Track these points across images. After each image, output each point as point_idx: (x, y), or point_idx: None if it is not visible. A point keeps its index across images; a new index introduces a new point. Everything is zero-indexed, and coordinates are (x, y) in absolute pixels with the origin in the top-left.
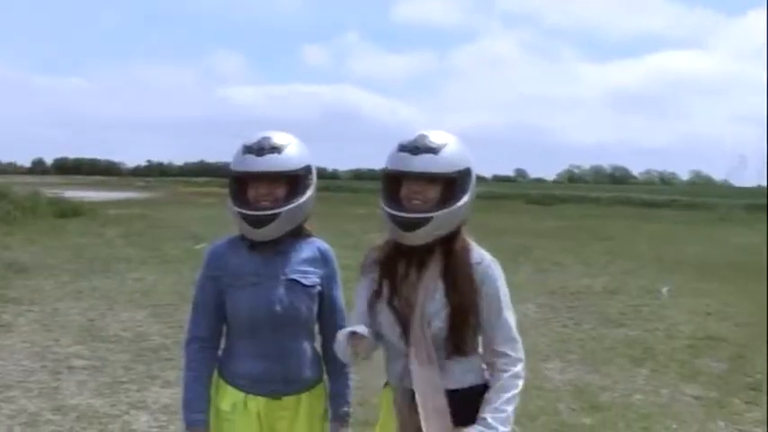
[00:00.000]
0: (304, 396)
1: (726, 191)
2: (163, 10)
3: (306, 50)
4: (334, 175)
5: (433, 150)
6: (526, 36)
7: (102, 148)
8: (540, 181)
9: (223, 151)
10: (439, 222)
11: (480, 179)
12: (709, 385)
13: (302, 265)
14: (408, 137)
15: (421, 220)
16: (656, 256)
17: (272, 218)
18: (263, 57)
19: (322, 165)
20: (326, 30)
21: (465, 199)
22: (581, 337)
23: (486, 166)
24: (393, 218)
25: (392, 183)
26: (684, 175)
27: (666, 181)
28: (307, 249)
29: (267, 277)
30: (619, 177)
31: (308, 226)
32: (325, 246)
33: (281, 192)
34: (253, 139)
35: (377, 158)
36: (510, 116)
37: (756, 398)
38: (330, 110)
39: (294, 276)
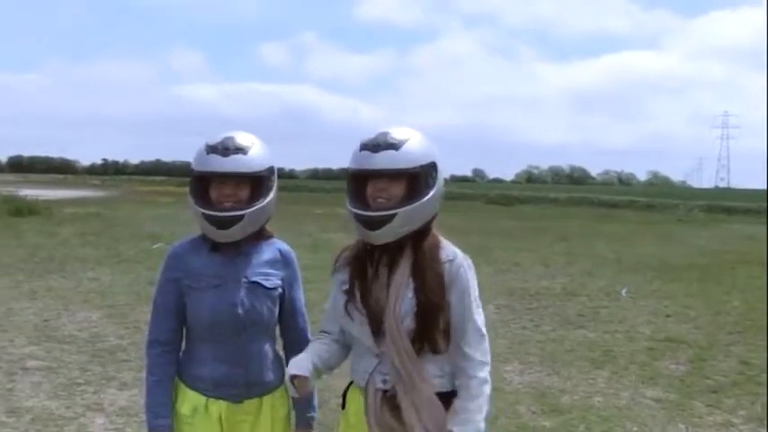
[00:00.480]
0: (266, 399)
1: (684, 192)
2: (121, 7)
3: (264, 49)
4: (291, 175)
5: (393, 146)
6: (486, 36)
7: (58, 145)
8: (498, 181)
9: (180, 150)
10: (404, 219)
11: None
12: (669, 388)
13: (264, 267)
14: (370, 135)
15: (384, 218)
16: (615, 257)
17: (237, 219)
18: (220, 55)
19: (280, 164)
20: (285, 29)
21: (431, 194)
22: (540, 339)
23: (444, 167)
24: (357, 217)
25: (356, 182)
26: (642, 176)
27: (625, 182)
28: (268, 251)
29: (229, 279)
30: (577, 178)
31: (268, 227)
32: (286, 247)
33: (244, 193)
34: (216, 138)
35: (336, 158)
36: (470, 116)
37: (717, 401)
38: (289, 109)
39: (256, 279)
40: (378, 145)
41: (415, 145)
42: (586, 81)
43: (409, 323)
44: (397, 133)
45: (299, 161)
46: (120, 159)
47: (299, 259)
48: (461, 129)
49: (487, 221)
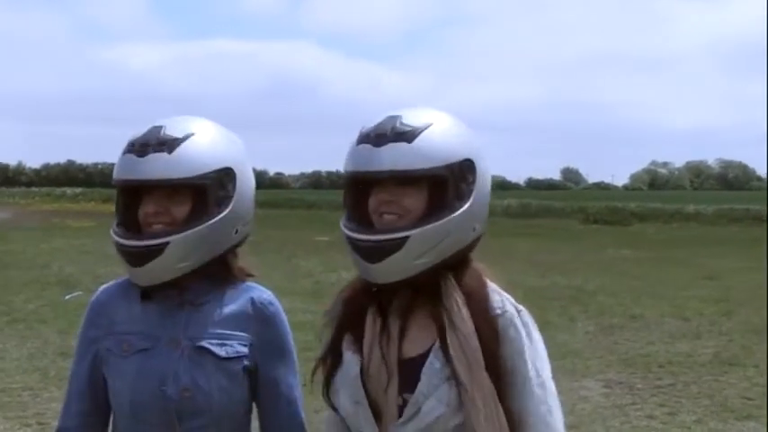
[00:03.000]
0: None
1: None
2: None
3: None
4: (278, 183)
5: (404, 137)
6: None
7: None
8: (603, 187)
9: (106, 147)
10: (420, 245)
11: (507, 186)
12: None
13: (222, 325)
14: (374, 120)
15: (389, 244)
16: None
17: (158, 250)
18: (174, 2)
19: (262, 166)
20: None
21: (464, 207)
22: None
23: (517, 167)
24: (350, 242)
25: (355, 191)
26: None
27: None
28: (233, 301)
29: (163, 341)
30: (734, 180)
31: (242, 263)
32: (265, 297)
33: (181, 210)
34: (142, 130)
35: (342, 154)
36: (557, 88)
37: None
38: (276, 80)
39: (204, 343)
40: (382, 135)
41: (438, 134)
42: (746, 27)
43: (438, 408)
44: (412, 117)
45: (290, 161)
46: (12, 162)
47: (293, 313)
48: (544, 108)
49: (586, 250)
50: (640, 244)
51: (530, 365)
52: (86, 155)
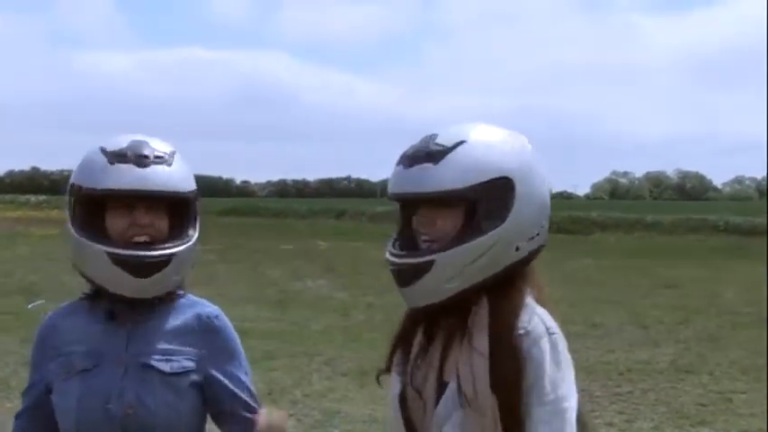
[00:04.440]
0: None
1: None
2: None
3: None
4: (244, 191)
5: (433, 157)
6: None
7: None
8: (566, 197)
9: (72, 154)
10: (447, 269)
11: None
12: None
13: (167, 340)
14: (415, 139)
15: (416, 268)
16: (752, 312)
17: (165, 261)
18: (144, 8)
19: (228, 174)
20: None
21: (496, 228)
22: None
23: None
24: (388, 264)
25: (401, 211)
26: None
27: None
28: (177, 316)
29: (106, 359)
30: (692, 190)
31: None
32: (210, 310)
33: (163, 224)
34: (119, 142)
35: (318, 164)
36: (524, 98)
37: None
38: (247, 88)
39: (149, 359)
40: (413, 156)
41: (468, 153)
42: (708, 40)
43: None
44: (447, 135)
45: (258, 169)
46: None
47: (259, 321)
48: (511, 118)
49: (548, 259)
50: (601, 253)
51: (548, 389)
52: (52, 162)
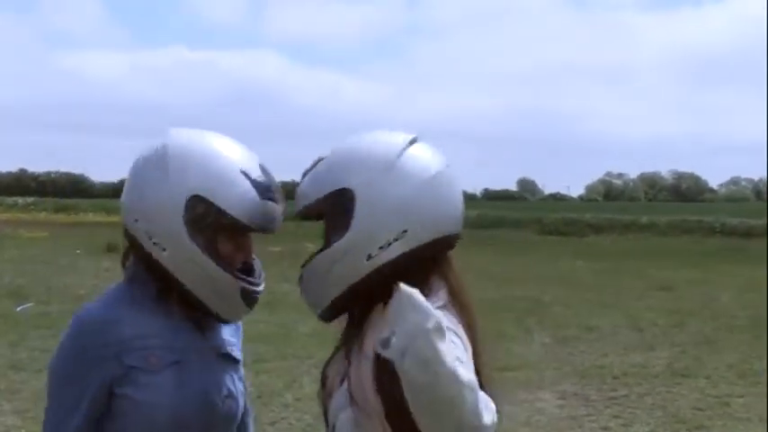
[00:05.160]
0: None
1: None
2: None
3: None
4: None
5: (304, 175)
6: None
7: None
8: (559, 199)
9: (60, 155)
10: (312, 281)
11: (465, 196)
12: None
13: (224, 331)
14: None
15: (301, 280)
16: (749, 315)
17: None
18: (131, 8)
19: None
20: None
21: (341, 239)
22: None
23: (474, 178)
24: None
25: None
26: None
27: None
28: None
29: (190, 351)
30: (687, 191)
31: None
32: None
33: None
34: (254, 169)
35: (305, 162)
36: (516, 97)
37: None
38: (235, 88)
39: (227, 349)
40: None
41: (319, 168)
42: (705, 37)
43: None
44: (327, 151)
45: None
46: None
47: (250, 324)
48: (502, 118)
49: (542, 261)
50: (595, 255)
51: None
52: (39, 163)
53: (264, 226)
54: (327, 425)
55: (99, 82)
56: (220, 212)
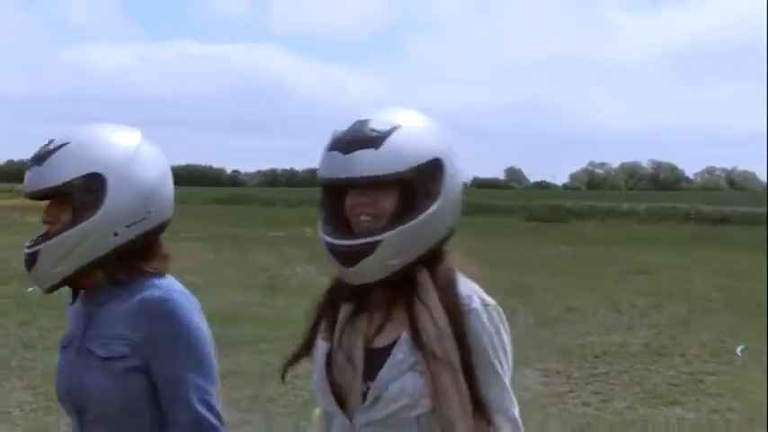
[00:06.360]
0: None
1: None
2: None
3: None
4: (235, 180)
5: (372, 143)
6: None
7: None
8: (544, 187)
9: None
10: (393, 248)
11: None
12: None
13: (113, 325)
14: (345, 125)
15: (363, 248)
16: (724, 298)
17: (34, 257)
18: (141, 1)
19: (220, 164)
20: None
21: (434, 206)
22: (613, 421)
23: (461, 164)
24: (328, 246)
25: (330, 197)
26: (765, 176)
27: (737, 185)
28: (126, 301)
29: (74, 340)
30: (665, 180)
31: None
32: (158, 295)
33: (67, 217)
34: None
35: (306, 155)
36: (508, 91)
37: None
38: (242, 82)
39: (91, 344)
40: (352, 141)
41: (405, 137)
42: (687, 37)
43: (403, 399)
44: (380, 121)
45: (251, 160)
46: None
47: (249, 307)
48: (493, 110)
49: (527, 247)
50: (578, 241)
51: (492, 357)
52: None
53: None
54: (342, 403)
55: (107, 74)
56: None
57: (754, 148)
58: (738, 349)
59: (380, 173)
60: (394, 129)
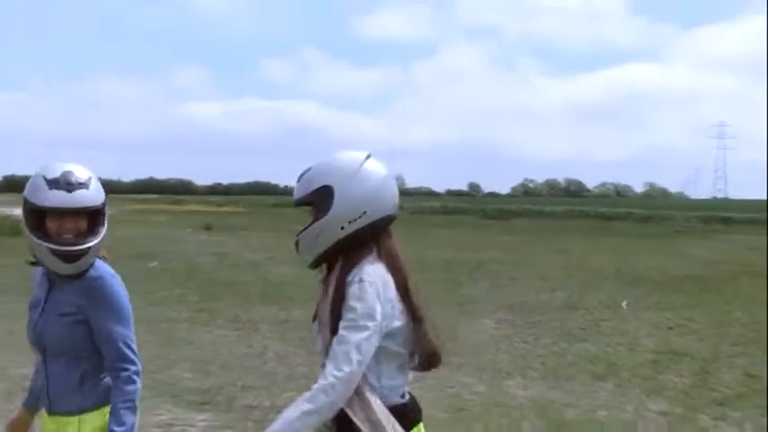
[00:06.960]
0: (71, 420)
1: (681, 203)
2: (118, 26)
3: (264, 65)
4: (287, 191)
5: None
6: (488, 49)
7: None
8: (494, 195)
9: (176, 167)
10: (304, 245)
11: (434, 194)
12: (674, 401)
13: (68, 293)
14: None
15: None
16: (613, 269)
17: (83, 253)
18: (222, 71)
19: (276, 180)
20: (286, 45)
21: (323, 218)
22: (542, 353)
23: (440, 181)
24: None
25: None
26: (639, 188)
27: (621, 194)
28: (79, 278)
29: (41, 301)
30: (573, 191)
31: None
32: (95, 274)
33: (83, 225)
34: (54, 172)
35: None
36: (468, 130)
37: (723, 413)
38: (290, 125)
39: (49, 305)
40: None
41: (311, 171)
42: (587, 94)
43: (318, 347)
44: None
45: (296, 176)
46: (114, 178)
47: (280, 276)
48: (459, 143)
49: (484, 236)
50: (517, 232)
51: (344, 316)
52: (162, 172)
53: (51, 205)
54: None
55: (201, 123)
56: (25, 201)
57: (629, 169)
58: (624, 304)
59: (298, 196)
60: (308, 168)
